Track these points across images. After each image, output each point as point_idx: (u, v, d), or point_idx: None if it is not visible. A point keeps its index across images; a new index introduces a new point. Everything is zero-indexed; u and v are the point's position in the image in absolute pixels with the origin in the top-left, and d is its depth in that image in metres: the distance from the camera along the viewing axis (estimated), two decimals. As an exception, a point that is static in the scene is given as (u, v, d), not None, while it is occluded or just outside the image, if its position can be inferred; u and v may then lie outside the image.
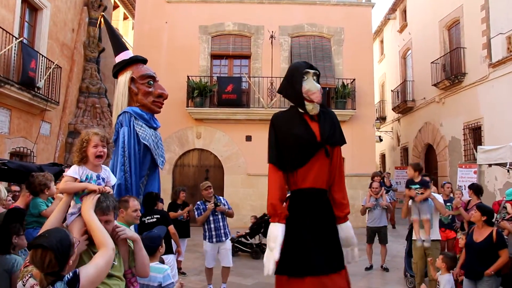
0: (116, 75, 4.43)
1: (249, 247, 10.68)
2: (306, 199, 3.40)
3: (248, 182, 15.34)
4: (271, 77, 15.59)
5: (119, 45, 4.60)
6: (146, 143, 4.02)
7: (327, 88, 15.51)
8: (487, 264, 5.12)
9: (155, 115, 4.39)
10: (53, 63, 13.15)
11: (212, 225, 7.09)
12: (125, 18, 21.32)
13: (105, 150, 2.90)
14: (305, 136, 3.37)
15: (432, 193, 6.74)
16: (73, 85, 15.16)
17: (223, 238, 7.12)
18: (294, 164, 3.41)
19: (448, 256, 5.73)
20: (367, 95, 16.08)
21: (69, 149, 14.58)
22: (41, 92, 12.55)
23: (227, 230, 7.23)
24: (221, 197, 7.52)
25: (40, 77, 12.54)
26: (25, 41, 12.38)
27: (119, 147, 3.89)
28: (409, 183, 6.52)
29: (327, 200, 3.50)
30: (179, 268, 8.57)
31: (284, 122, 3.53)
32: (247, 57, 16.57)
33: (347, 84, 15.56)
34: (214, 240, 7.06)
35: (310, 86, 3.41)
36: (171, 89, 14.37)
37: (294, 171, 3.43)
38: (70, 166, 9.61)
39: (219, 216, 7.17)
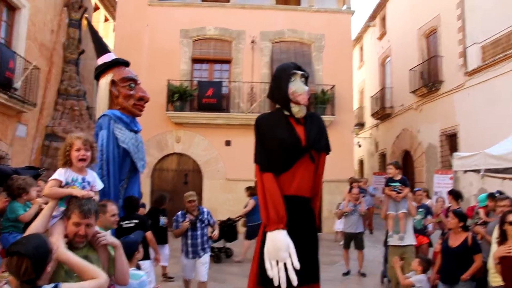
0: (97, 77, 4.39)
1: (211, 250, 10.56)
2: (289, 207, 3.15)
3: (227, 187, 15.33)
4: (252, 82, 15.64)
5: (101, 48, 4.58)
6: (125, 146, 4.01)
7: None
8: (463, 268, 5.23)
9: (136, 118, 4.38)
10: (31, 64, 12.97)
11: (189, 241, 6.58)
12: (106, 20, 21.14)
13: (88, 153, 2.92)
14: (290, 139, 3.21)
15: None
16: (51, 87, 14.95)
17: (201, 254, 6.61)
18: (278, 168, 3.22)
19: (424, 259, 5.85)
20: (346, 101, 16.23)
21: (46, 152, 14.37)
22: (18, 93, 12.36)
23: (205, 246, 6.70)
24: (205, 210, 6.96)
25: (17, 78, 12.35)
26: (2, 40, 12.18)
27: (97, 150, 3.85)
28: (389, 181, 6.61)
29: (311, 209, 3.35)
30: (164, 274, 8.48)
31: (268, 124, 3.37)
32: (228, 61, 16.59)
33: (327, 90, 15.69)
34: (190, 256, 6.58)
35: (297, 87, 3.29)
36: (151, 92, 14.21)
37: (277, 176, 3.22)
38: (47, 169, 9.48)
39: (198, 232, 6.62)
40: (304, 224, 3.25)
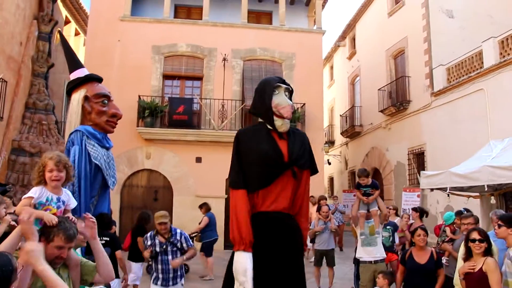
0: (69, 92, 4.37)
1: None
2: (266, 224, 3.08)
3: (197, 204, 15.09)
4: (223, 99, 15.69)
5: (74, 62, 4.53)
6: (97, 163, 3.97)
7: (278, 112, 15.77)
8: (431, 284, 5.41)
9: (109, 135, 4.36)
10: (-2, 77, 12.72)
11: (160, 266, 5.69)
12: (77, 34, 20.95)
13: (62, 174, 2.91)
14: (271, 154, 3.09)
15: None
16: (19, 100, 14.65)
17: (170, 283, 5.68)
18: (256, 184, 3.11)
19: (387, 273, 5.95)
20: (316, 119, 16.44)
21: (12, 167, 14.02)
22: (-16, 107, 12.09)
23: (178, 274, 5.77)
24: (178, 231, 5.96)
25: (-16, 91, 12.08)
26: (-31, 53, 11.93)
27: None
28: (360, 185, 6.73)
29: (293, 226, 3.20)
30: None
31: (249, 138, 3.25)
32: (199, 78, 16.63)
33: (297, 108, 15.88)
34: (159, 283, 5.66)
35: (280, 100, 3.21)
36: (122, 108, 14.05)
37: (255, 192, 3.13)
38: (13, 184, 9.26)
39: (169, 257, 5.69)
40: (284, 242, 3.08)
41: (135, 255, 8.05)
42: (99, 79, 4.43)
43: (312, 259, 10.57)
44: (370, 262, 6.50)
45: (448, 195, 9.81)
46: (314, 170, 3.38)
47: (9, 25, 14.12)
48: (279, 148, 3.14)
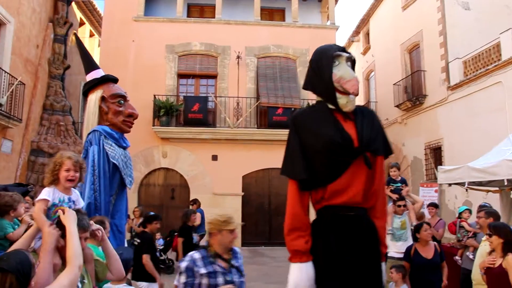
0: (86, 93, 4.41)
1: (162, 263, 10.35)
2: (335, 222, 2.54)
3: (214, 202, 15.29)
4: (237, 97, 15.72)
5: (90, 64, 4.58)
6: (115, 162, 4.01)
7: (293, 109, 15.75)
8: (439, 276, 5.56)
9: (125, 135, 4.41)
10: (16, 79, 12.90)
11: None
12: (91, 35, 21.14)
13: (77, 174, 2.94)
14: (338, 139, 2.52)
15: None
16: (36, 102, 14.87)
17: None
18: (322, 177, 2.56)
19: (399, 267, 5.89)
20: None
21: (32, 167, 14.25)
22: (3, 109, 12.28)
23: None
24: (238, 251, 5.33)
25: (2, 94, 12.27)
26: (-13, 57, 12.13)
27: (88, 165, 3.85)
28: (390, 181, 6.78)
29: (368, 224, 2.61)
30: None
31: (309, 122, 2.70)
32: (214, 77, 16.67)
33: (312, 104, 15.79)
34: None
35: (343, 72, 2.61)
36: (137, 107, 14.15)
37: (321, 187, 2.59)
38: (34, 185, 9.39)
39: None
40: (357, 245, 2.52)
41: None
42: (115, 80, 4.48)
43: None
44: (399, 258, 6.20)
45: (467, 190, 9.67)
46: (387, 154, 2.80)
47: (26, 29, 14.32)
48: (345, 131, 2.57)
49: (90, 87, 4.37)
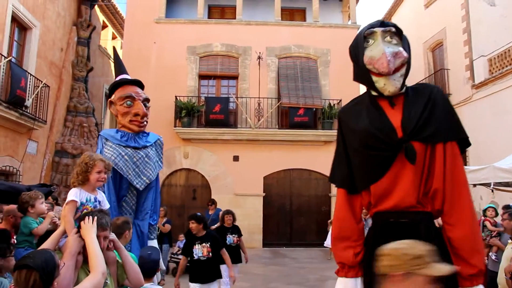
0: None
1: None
2: (384, 231, 2.17)
3: (235, 202, 15.32)
4: (259, 97, 15.72)
5: (118, 71, 4.74)
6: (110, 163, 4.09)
7: (314, 109, 15.70)
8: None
9: (149, 133, 4.48)
10: (41, 82, 13.15)
11: None
12: (114, 37, 21.42)
13: (106, 176, 3.02)
14: (373, 130, 2.20)
15: None
16: (60, 104, 15.13)
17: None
18: (362, 178, 2.29)
19: None
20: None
21: (56, 168, 14.50)
22: (28, 111, 12.52)
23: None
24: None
25: (28, 96, 12.51)
26: (13, 60, 12.38)
27: None
28: None
29: (435, 233, 2.17)
30: None
31: (348, 116, 2.44)
32: (235, 77, 16.71)
33: (334, 104, 15.74)
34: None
35: (374, 51, 2.27)
36: (159, 109, 14.48)
37: (365, 189, 2.30)
38: (57, 185, 9.50)
39: None
40: None
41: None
42: (130, 82, 4.50)
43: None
44: None
45: (492, 191, 9.50)
46: (461, 139, 2.28)
47: (51, 33, 14.58)
48: (387, 120, 2.22)
49: (110, 92, 4.51)
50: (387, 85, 2.23)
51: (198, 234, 5.73)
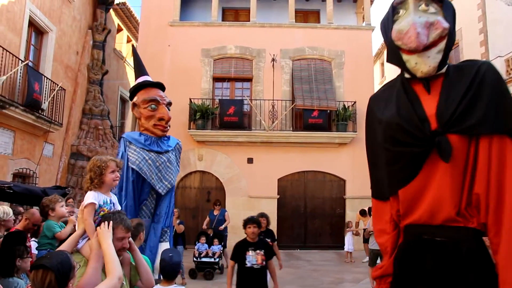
0: (132, 99, 4.54)
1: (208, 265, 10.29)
2: (414, 250, 1.78)
3: (250, 205, 15.31)
4: (273, 99, 15.71)
5: (138, 72, 4.73)
6: (134, 167, 4.04)
7: (328, 111, 15.64)
8: None
9: (169, 137, 4.47)
10: (57, 85, 13.30)
11: None
12: (129, 41, 21.60)
13: (119, 174, 3.06)
14: (401, 121, 1.80)
15: None
16: (76, 107, 15.29)
17: None
18: (388, 182, 1.91)
19: None
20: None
21: (71, 170, 14.64)
22: (45, 114, 12.67)
23: None
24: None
25: (44, 99, 12.66)
26: (30, 63, 12.54)
27: None
28: None
29: (481, 257, 1.67)
30: None
31: (379, 103, 2.02)
32: (249, 80, 16.72)
33: (348, 106, 15.66)
34: None
35: (402, 23, 1.84)
36: (173, 111, 14.42)
37: (393, 195, 1.89)
38: (73, 187, 9.61)
39: None
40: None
41: None
42: (153, 85, 4.49)
43: (366, 259, 10.40)
44: None
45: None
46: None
47: (67, 36, 14.76)
48: (419, 107, 1.80)
49: (132, 94, 4.49)
50: (420, 64, 1.78)
51: (253, 240, 5.33)
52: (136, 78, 4.63)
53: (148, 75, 4.67)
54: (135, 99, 4.38)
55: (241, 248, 5.27)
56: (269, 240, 6.88)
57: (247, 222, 5.40)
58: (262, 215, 7.34)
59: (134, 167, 4.04)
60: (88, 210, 2.81)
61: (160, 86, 4.54)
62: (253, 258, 5.17)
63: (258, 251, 5.23)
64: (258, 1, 17.02)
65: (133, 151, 4.08)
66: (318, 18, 18.45)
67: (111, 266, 2.49)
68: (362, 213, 13.08)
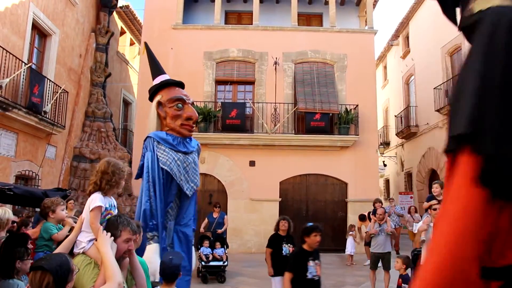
0: (151, 99, 4.40)
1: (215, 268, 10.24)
2: None
3: (251, 207, 15.33)
4: (275, 103, 15.72)
5: (156, 69, 4.62)
6: (166, 168, 3.92)
7: (330, 114, 15.64)
8: None
9: (192, 138, 4.40)
10: (60, 87, 13.35)
11: None
12: (132, 43, 21.66)
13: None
14: None
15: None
16: (79, 109, 15.34)
17: None
18: None
19: (404, 257, 5.90)
20: (370, 120, 16.16)
21: (74, 172, 14.68)
22: (47, 116, 12.71)
23: None
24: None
25: (47, 102, 12.71)
26: (33, 66, 12.59)
27: (144, 172, 3.86)
28: (431, 199, 6.72)
29: None
30: None
31: None
32: (251, 83, 16.74)
33: (350, 109, 15.67)
34: None
35: None
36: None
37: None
38: (75, 189, 9.61)
39: None
40: None
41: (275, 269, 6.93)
42: (177, 84, 4.44)
43: (368, 263, 10.39)
44: None
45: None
46: None
47: (70, 39, 14.82)
48: None
49: (153, 92, 4.37)
50: None
51: (312, 248, 4.95)
52: (154, 76, 4.51)
53: (166, 74, 4.58)
54: (158, 97, 4.25)
55: (301, 258, 4.88)
56: (291, 246, 6.83)
57: (313, 229, 4.97)
58: (283, 218, 7.20)
59: (165, 167, 3.92)
60: (94, 213, 2.82)
61: (182, 85, 4.46)
62: (314, 269, 4.86)
63: (317, 261, 4.94)
64: (261, 5, 17.07)
65: (162, 151, 3.96)
66: (321, 22, 18.47)
67: (110, 271, 2.50)
68: (362, 218, 13.08)
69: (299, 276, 4.68)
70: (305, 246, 4.91)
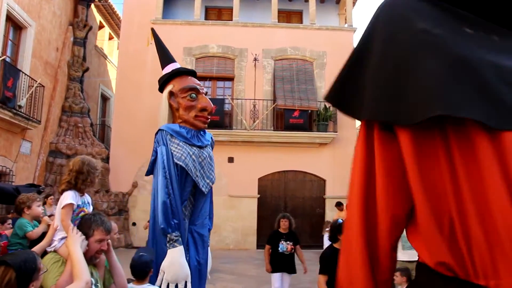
0: (161, 89, 4.09)
1: None
2: None
3: (230, 204, 15.31)
4: (254, 99, 15.72)
5: (165, 58, 4.27)
6: (181, 164, 3.61)
7: (309, 111, 15.71)
8: None
9: (206, 131, 4.12)
10: (36, 81, 13.10)
11: None
12: (110, 38, 21.38)
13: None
14: None
15: None
16: (55, 104, 15.08)
17: None
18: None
19: (403, 269, 5.82)
20: (348, 117, 16.24)
21: (50, 168, 14.44)
22: (22, 111, 12.47)
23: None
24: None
25: (22, 96, 12.47)
26: (7, 59, 12.34)
27: (159, 167, 3.55)
28: None
29: None
30: None
31: None
32: (231, 79, 16.70)
33: (329, 107, 15.75)
34: None
35: None
36: (155, 109, 14.38)
37: None
38: (50, 185, 9.45)
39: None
40: None
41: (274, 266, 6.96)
42: (189, 72, 4.15)
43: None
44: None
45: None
46: None
47: (46, 32, 14.54)
48: None
49: (164, 82, 4.06)
50: None
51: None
52: (163, 65, 4.19)
53: (176, 61, 4.26)
54: (170, 87, 3.93)
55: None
56: (290, 243, 6.79)
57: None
58: (284, 216, 7.14)
59: (180, 163, 3.60)
60: (65, 211, 2.77)
61: (194, 74, 4.16)
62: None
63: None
64: (241, 1, 17.02)
65: (176, 145, 3.64)
66: (301, 19, 18.52)
67: (78, 270, 2.45)
68: (338, 204, 13.02)
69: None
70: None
